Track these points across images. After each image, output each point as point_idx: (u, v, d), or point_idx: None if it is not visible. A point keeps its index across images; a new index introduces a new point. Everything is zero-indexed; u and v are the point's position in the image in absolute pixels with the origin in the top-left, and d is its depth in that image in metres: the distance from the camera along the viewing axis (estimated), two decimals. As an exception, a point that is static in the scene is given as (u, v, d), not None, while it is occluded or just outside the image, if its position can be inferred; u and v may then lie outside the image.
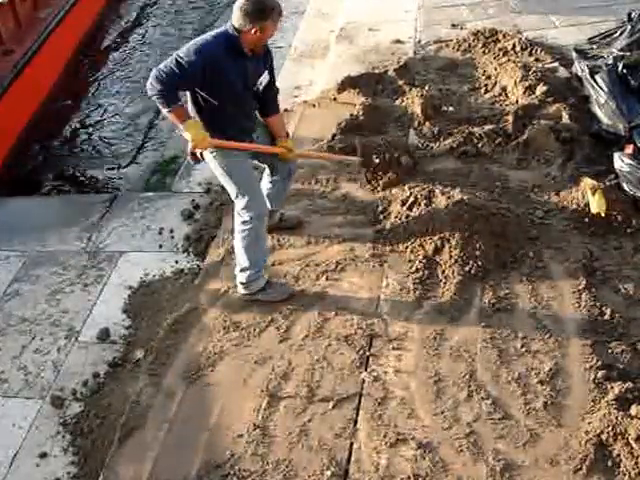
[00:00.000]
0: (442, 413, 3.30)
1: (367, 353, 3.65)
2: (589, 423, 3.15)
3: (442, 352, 3.60)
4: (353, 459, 3.17)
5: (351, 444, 3.23)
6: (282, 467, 3.17)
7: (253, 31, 3.50)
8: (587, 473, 2.99)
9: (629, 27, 5.62)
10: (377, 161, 4.74)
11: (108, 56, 8.78)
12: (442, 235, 4.10)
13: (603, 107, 4.95)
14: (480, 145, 5.01)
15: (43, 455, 3.62)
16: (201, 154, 3.81)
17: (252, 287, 3.98)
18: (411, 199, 4.38)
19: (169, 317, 4.10)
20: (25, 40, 7.41)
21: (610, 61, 5.14)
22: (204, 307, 4.09)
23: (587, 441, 3.08)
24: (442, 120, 5.33)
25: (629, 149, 4.51)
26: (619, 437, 3.04)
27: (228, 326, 3.92)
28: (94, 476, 3.39)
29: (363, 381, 3.50)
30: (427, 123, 5.30)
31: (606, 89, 4.97)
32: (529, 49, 6.03)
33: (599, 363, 3.41)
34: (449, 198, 4.21)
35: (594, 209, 4.25)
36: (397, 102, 5.65)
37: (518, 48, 6.06)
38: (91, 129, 7.43)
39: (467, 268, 4.00)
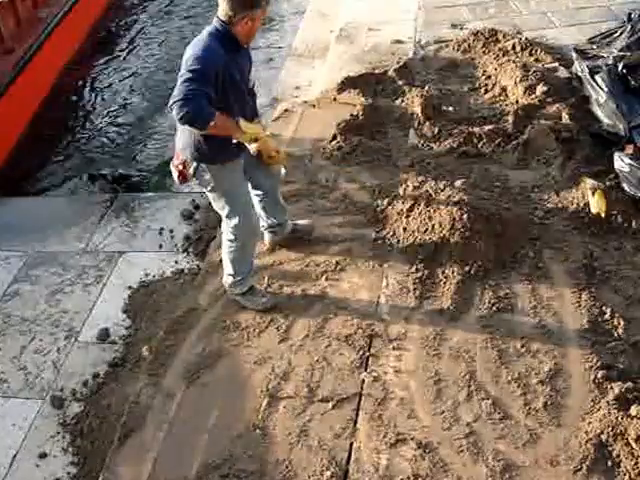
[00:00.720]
0: (442, 413, 3.30)
1: (367, 353, 3.65)
2: (589, 423, 3.15)
3: (442, 352, 3.60)
4: (353, 459, 3.16)
5: (351, 444, 3.23)
6: (282, 467, 3.16)
7: (244, 21, 3.30)
8: (587, 473, 2.98)
9: (629, 27, 5.62)
10: None
11: (109, 54, 8.77)
12: (442, 235, 4.10)
13: (603, 107, 4.95)
14: (480, 145, 5.02)
15: (43, 455, 3.62)
16: (195, 170, 3.62)
17: (234, 290, 4.00)
18: (411, 199, 4.38)
19: (169, 317, 4.11)
20: (25, 39, 7.41)
21: (610, 61, 5.14)
22: (204, 307, 4.09)
23: (587, 441, 3.07)
24: (442, 120, 5.32)
25: (629, 149, 4.51)
26: (619, 437, 3.04)
27: (228, 326, 3.92)
28: (94, 476, 3.40)
29: (363, 381, 3.50)
30: (427, 123, 5.29)
31: (606, 89, 4.97)
32: (529, 49, 6.03)
33: (599, 363, 3.40)
34: (449, 198, 4.21)
35: (594, 209, 4.25)
36: (397, 102, 5.65)
37: (518, 48, 6.06)
38: (91, 129, 7.42)
39: (467, 268, 4.00)
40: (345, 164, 5.02)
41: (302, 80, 6.60)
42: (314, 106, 5.90)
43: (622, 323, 3.62)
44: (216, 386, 3.60)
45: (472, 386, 3.40)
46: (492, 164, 4.86)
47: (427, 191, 4.38)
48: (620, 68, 5.01)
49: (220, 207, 3.74)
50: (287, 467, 3.17)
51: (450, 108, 5.48)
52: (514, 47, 6.08)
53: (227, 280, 3.98)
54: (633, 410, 3.10)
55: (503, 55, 6.02)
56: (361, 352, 3.65)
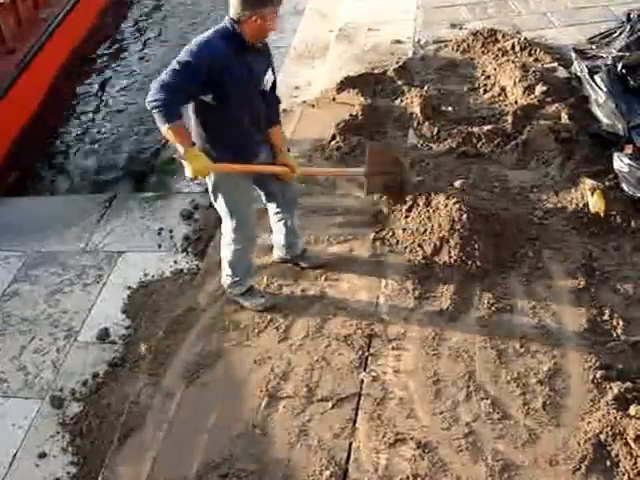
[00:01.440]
0: (441, 413, 3.30)
1: (366, 353, 3.65)
2: (588, 423, 3.15)
3: (441, 352, 3.60)
4: (352, 459, 3.17)
5: (350, 444, 3.23)
6: (281, 467, 3.17)
7: (253, 19, 3.23)
8: (586, 473, 2.98)
9: (628, 27, 5.62)
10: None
11: (109, 54, 8.77)
12: (441, 235, 4.10)
13: (602, 107, 4.95)
14: (479, 145, 5.02)
15: (42, 455, 3.62)
16: None
17: (232, 291, 4.01)
18: (410, 199, 4.38)
19: (168, 317, 4.11)
20: (26, 39, 7.42)
21: (609, 61, 5.14)
22: (203, 307, 4.10)
23: (586, 441, 3.08)
24: (441, 120, 5.33)
25: (628, 149, 4.51)
26: (618, 437, 3.04)
27: (227, 326, 3.92)
28: (93, 476, 3.40)
29: (362, 381, 3.51)
30: (426, 123, 5.30)
31: (605, 89, 4.97)
32: (528, 49, 6.04)
33: (598, 363, 3.40)
34: (448, 198, 4.21)
35: (593, 209, 4.25)
36: (396, 102, 5.65)
37: (517, 48, 6.06)
38: (91, 128, 7.43)
39: (466, 268, 4.00)
40: (344, 164, 5.03)
41: (301, 80, 6.61)
42: (313, 106, 5.90)
43: (621, 323, 3.62)
44: (215, 386, 3.60)
45: (471, 386, 3.40)
46: (491, 164, 4.86)
47: (426, 191, 4.38)
48: (619, 68, 5.01)
49: (219, 207, 3.73)
50: (286, 467, 3.17)
51: (449, 108, 5.48)
52: (513, 47, 6.09)
53: (225, 281, 3.99)
54: (632, 410, 3.10)
55: (502, 55, 6.03)
56: (360, 352, 3.65)
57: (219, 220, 4.82)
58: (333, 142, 5.23)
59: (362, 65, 6.32)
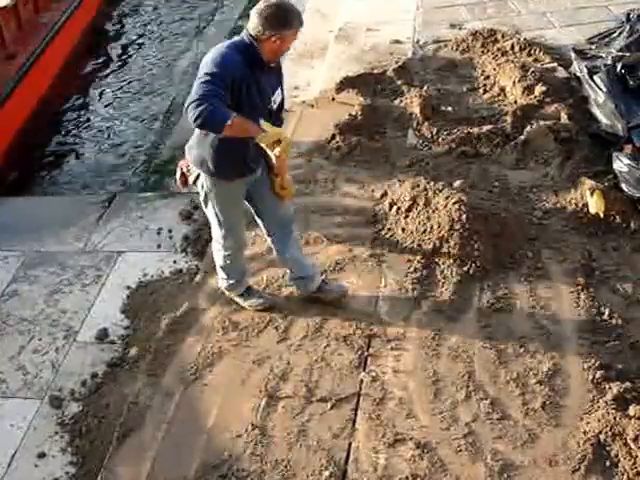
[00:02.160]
0: (440, 413, 3.30)
1: (365, 353, 3.65)
2: (587, 423, 3.15)
3: (440, 352, 3.60)
4: (351, 459, 3.16)
5: (349, 444, 3.23)
6: (280, 467, 3.17)
7: (273, 39, 3.19)
8: (585, 473, 2.99)
9: (628, 27, 5.62)
10: None
11: (109, 56, 8.76)
12: (440, 235, 4.10)
13: (602, 107, 4.95)
14: (479, 145, 5.02)
15: (41, 455, 3.61)
16: (196, 179, 3.55)
17: (230, 293, 4.02)
18: (409, 199, 4.38)
19: (167, 317, 4.11)
20: (27, 43, 7.41)
21: (609, 61, 5.15)
22: (202, 307, 4.09)
23: (585, 441, 3.08)
24: (441, 120, 5.33)
25: (628, 149, 4.51)
26: (617, 437, 3.05)
27: (227, 326, 3.92)
28: (93, 476, 3.39)
29: (361, 381, 3.50)
30: (426, 123, 5.29)
31: (605, 89, 4.97)
32: (528, 49, 6.03)
33: (597, 363, 3.41)
34: (447, 198, 4.21)
35: (593, 209, 4.25)
36: (396, 102, 5.65)
37: (517, 48, 6.06)
38: (90, 129, 7.42)
39: (465, 268, 4.00)
40: (344, 164, 5.03)
41: (301, 80, 6.59)
42: (313, 106, 5.89)
43: (620, 323, 3.62)
44: (215, 386, 3.60)
45: (471, 386, 3.40)
46: (491, 164, 4.86)
47: (426, 191, 4.38)
48: (619, 68, 5.01)
49: (209, 214, 3.69)
50: (286, 467, 3.17)
51: (449, 108, 5.48)
52: (513, 47, 6.08)
53: (222, 284, 4.00)
54: (631, 410, 3.11)
55: (502, 55, 6.02)
56: (360, 352, 3.65)
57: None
58: (332, 142, 5.22)
59: (361, 65, 6.31)
